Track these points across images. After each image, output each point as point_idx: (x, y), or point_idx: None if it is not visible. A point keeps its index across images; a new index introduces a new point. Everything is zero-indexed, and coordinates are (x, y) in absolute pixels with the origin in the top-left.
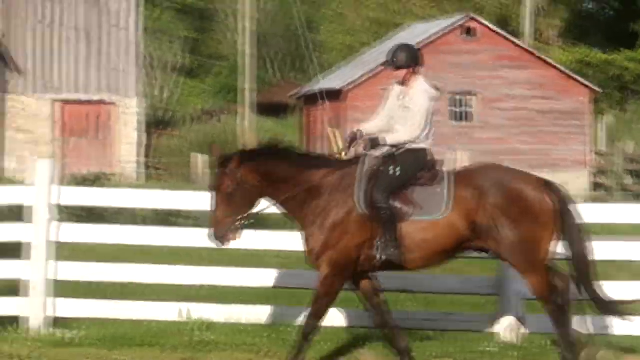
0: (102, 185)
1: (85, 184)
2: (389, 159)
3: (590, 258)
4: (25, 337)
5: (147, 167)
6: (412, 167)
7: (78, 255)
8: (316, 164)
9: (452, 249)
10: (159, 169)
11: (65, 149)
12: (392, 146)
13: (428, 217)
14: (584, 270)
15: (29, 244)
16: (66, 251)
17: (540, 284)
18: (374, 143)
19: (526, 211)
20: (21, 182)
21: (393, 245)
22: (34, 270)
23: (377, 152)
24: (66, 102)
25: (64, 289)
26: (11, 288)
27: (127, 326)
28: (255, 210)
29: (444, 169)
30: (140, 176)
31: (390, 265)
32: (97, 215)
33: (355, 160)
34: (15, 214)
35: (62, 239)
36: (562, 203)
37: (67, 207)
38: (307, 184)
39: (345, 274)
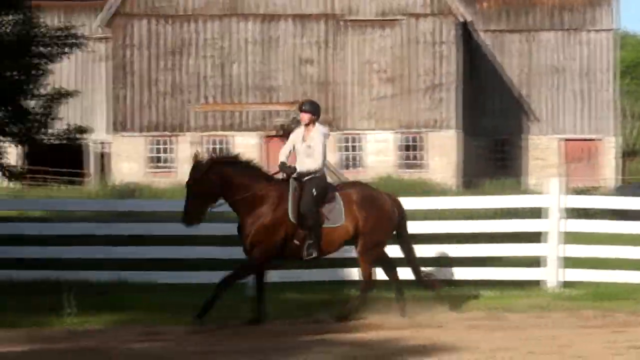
0: (590, 194)
1: (580, 193)
2: (308, 182)
3: (414, 253)
4: (543, 294)
5: (622, 182)
6: (324, 189)
7: (580, 240)
8: (262, 179)
9: (343, 244)
10: (629, 183)
11: (567, 171)
12: (302, 174)
13: (333, 225)
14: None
15: (546, 233)
16: (570, 237)
17: (368, 269)
18: (287, 172)
19: (384, 222)
20: (539, 193)
21: (318, 244)
22: (549, 250)
23: (300, 178)
24: (567, 139)
25: (570, 262)
26: (535, 261)
27: (612, 286)
28: (215, 205)
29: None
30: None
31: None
32: (588, 214)
33: (286, 182)
34: (534, 213)
35: (568, 230)
36: (401, 215)
37: (570, 209)
38: (252, 193)
39: (268, 260)
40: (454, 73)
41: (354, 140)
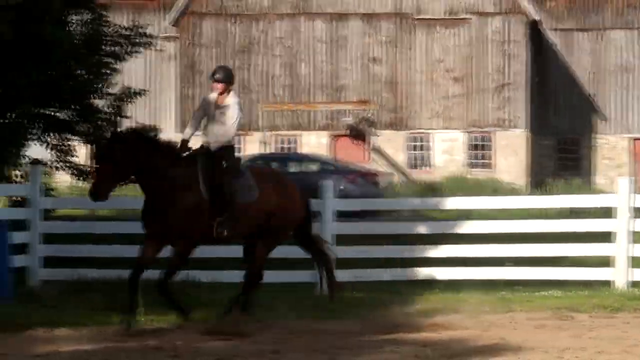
0: None
1: None
2: (217, 154)
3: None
4: (611, 294)
5: None
6: (234, 161)
7: None
8: (173, 158)
9: (262, 224)
10: None
11: (637, 171)
12: (211, 145)
13: (247, 200)
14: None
15: (615, 233)
16: (638, 236)
17: (265, 258)
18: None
19: (295, 205)
20: (607, 192)
21: (230, 221)
22: (618, 249)
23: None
24: (637, 139)
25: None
26: (604, 261)
27: None
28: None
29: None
30: None
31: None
32: None
33: (192, 159)
34: (603, 213)
35: (637, 229)
36: (307, 205)
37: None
38: (165, 174)
39: (195, 247)
40: (522, 72)
41: (421, 139)
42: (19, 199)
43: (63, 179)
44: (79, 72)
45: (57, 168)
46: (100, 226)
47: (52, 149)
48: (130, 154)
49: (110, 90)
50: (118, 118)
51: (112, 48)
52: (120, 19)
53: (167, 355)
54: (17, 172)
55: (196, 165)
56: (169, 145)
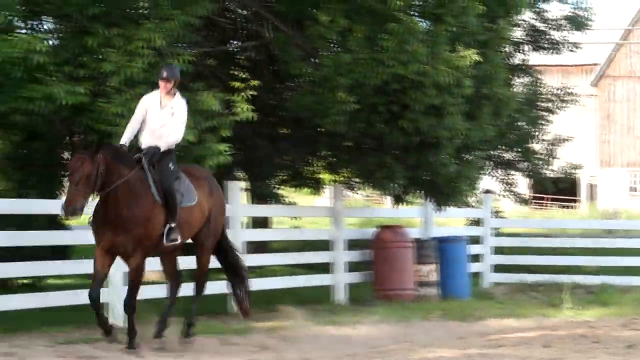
0: None
1: None
2: (163, 157)
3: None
4: None
5: None
6: (175, 163)
7: None
8: (130, 164)
9: (200, 227)
10: None
11: None
12: (161, 150)
13: (190, 203)
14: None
15: None
16: None
17: (209, 258)
18: (152, 152)
19: (225, 206)
20: None
21: (178, 227)
22: None
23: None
24: None
25: None
26: None
27: None
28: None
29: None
30: None
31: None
32: None
33: (137, 162)
34: None
35: None
36: None
37: None
38: (124, 181)
39: (147, 257)
40: None
41: None
42: (475, 220)
43: (508, 204)
44: (521, 123)
45: (503, 196)
46: (537, 241)
47: (499, 181)
48: (100, 170)
49: (544, 137)
50: (550, 158)
51: (546, 104)
52: (551, 81)
53: (590, 342)
54: (473, 199)
55: (144, 170)
56: (119, 151)
